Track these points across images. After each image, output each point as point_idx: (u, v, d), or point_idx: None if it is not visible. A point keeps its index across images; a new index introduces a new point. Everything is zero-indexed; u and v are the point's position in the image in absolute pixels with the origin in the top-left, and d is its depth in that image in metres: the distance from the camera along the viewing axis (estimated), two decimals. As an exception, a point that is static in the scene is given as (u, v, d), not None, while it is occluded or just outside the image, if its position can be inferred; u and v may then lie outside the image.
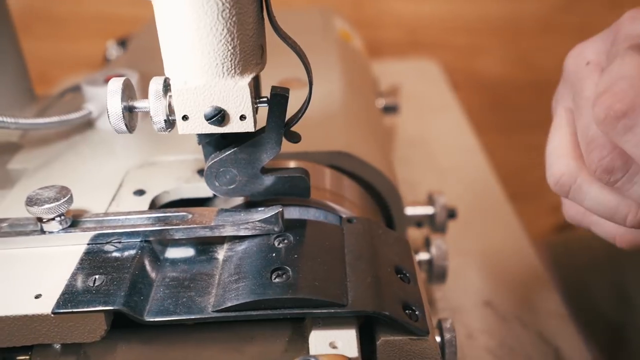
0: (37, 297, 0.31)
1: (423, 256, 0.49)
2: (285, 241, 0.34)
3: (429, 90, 0.96)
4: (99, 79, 0.47)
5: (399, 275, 0.34)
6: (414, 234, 0.56)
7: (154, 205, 0.39)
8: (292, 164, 0.41)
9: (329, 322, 0.31)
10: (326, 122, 0.47)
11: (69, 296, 0.30)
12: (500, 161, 1.25)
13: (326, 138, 0.45)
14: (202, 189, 0.40)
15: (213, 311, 0.31)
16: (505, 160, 1.26)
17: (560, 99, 0.35)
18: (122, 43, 0.69)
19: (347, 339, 0.30)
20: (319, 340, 0.30)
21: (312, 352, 0.30)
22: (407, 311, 0.32)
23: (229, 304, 0.30)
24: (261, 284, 0.31)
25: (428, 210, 0.52)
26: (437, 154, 0.78)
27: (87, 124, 0.47)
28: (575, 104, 0.33)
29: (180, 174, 0.41)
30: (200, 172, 0.41)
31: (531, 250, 0.61)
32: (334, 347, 0.30)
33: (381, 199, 0.46)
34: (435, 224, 0.52)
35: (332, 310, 0.30)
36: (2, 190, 0.40)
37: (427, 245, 0.50)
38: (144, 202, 0.39)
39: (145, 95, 0.48)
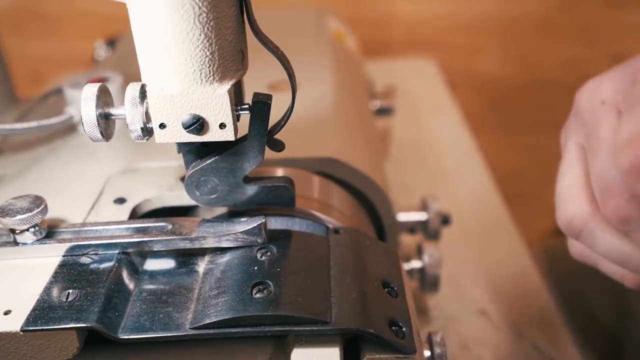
0: (7, 313, 0.29)
1: (415, 264, 0.48)
2: (268, 253, 0.33)
3: (426, 90, 0.94)
4: (82, 81, 0.46)
5: (386, 289, 0.33)
6: (407, 240, 0.55)
7: (134, 214, 0.38)
8: (278, 172, 0.40)
9: (312, 340, 0.30)
10: (315, 126, 0.46)
11: (39, 312, 0.29)
12: (498, 161, 1.24)
13: (314, 144, 0.44)
14: (184, 197, 0.38)
15: (191, 328, 0.29)
16: (503, 161, 1.24)
17: (572, 133, 0.33)
18: (111, 43, 0.67)
19: (330, 358, 0.29)
20: (301, 359, 0.29)
21: (293, 372, 0.29)
22: (393, 327, 0.30)
23: (207, 321, 0.29)
24: (241, 300, 0.30)
25: (421, 216, 0.51)
26: (433, 156, 0.77)
27: (70, 128, 0.46)
28: (588, 144, 0.31)
29: (162, 181, 0.40)
30: (183, 179, 0.40)
31: (528, 257, 0.60)
32: (317, 367, 0.29)
33: (372, 206, 0.44)
34: (428, 231, 0.51)
35: (315, 328, 0.29)
36: (-22, 198, 0.39)
37: (419, 252, 0.48)
38: (124, 211, 0.37)
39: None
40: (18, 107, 0.48)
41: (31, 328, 0.28)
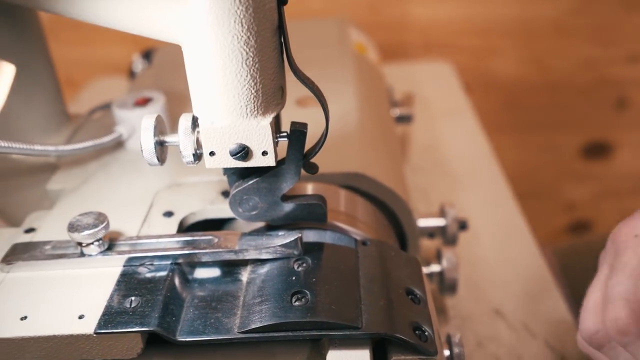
0: (81, 317, 0.34)
1: (434, 268, 0.52)
2: (304, 264, 0.37)
3: (443, 93, 0.97)
4: (128, 102, 0.50)
5: (409, 297, 0.37)
6: (427, 244, 0.59)
7: (181, 226, 0.42)
8: (309, 188, 0.43)
9: (344, 343, 0.34)
10: (341, 142, 0.50)
11: (108, 317, 0.34)
12: (514, 161, 1.27)
13: (341, 159, 0.47)
14: (225, 210, 0.42)
15: (239, 332, 0.33)
16: (519, 160, 1.27)
17: (607, 256, 0.38)
18: (147, 55, 0.72)
19: (361, 359, 0.33)
20: None
21: (329, 371, 0.33)
22: (417, 331, 0.34)
23: (253, 326, 0.33)
24: (282, 307, 0.34)
25: (440, 222, 0.55)
26: (450, 160, 0.80)
27: (118, 144, 0.50)
28: (612, 265, 0.36)
29: (205, 195, 0.44)
30: (224, 193, 0.44)
31: (541, 258, 0.63)
32: (349, 367, 0.33)
33: (394, 215, 0.48)
34: (446, 236, 0.55)
35: (348, 332, 0.33)
36: (43, 210, 0.44)
37: (438, 257, 0.52)
38: (172, 223, 0.42)
39: (171, 118, 0.51)
40: (69, 124, 0.52)
41: (103, 331, 0.33)
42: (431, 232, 0.56)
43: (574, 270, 0.70)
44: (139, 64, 0.70)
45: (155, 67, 0.67)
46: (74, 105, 0.97)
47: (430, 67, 1.06)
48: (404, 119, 0.74)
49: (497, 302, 0.58)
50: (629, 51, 1.15)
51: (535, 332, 0.55)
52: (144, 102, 0.49)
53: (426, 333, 0.35)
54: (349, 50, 0.68)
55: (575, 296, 0.66)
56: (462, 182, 0.76)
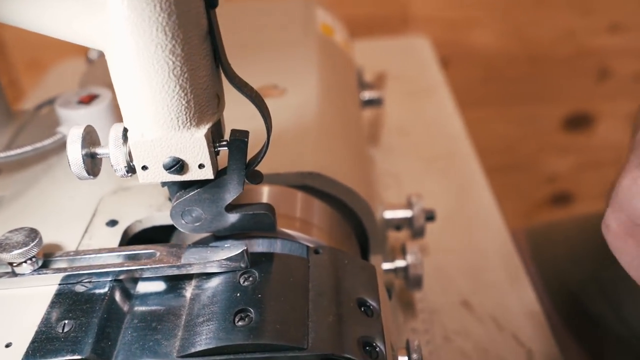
0: (8, 345, 0.32)
1: (399, 263, 0.50)
2: (251, 278, 0.35)
3: (419, 70, 0.95)
4: (72, 99, 0.47)
5: (362, 308, 0.35)
6: (395, 237, 0.57)
7: (126, 235, 0.40)
8: (261, 191, 0.41)
9: (291, 363, 0.32)
10: (298, 138, 0.47)
11: (37, 345, 0.32)
12: (495, 134, 1.25)
13: (298, 157, 0.45)
14: (173, 217, 0.40)
15: (178, 357, 0.32)
16: (500, 133, 1.26)
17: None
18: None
19: (307, 381, 0.32)
20: (281, 382, 0.32)
21: (273, 395, 0.31)
22: (367, 347, 0.33)
23: (193, 350, 0.32)
24: (224, 328, 0.32)
25: (406, 213, 0.53)
26: (424, 142, 0.78)
27: (63, 145, 0.47)
28: None
29: (152, 200, 0.42)
30: (171, 199, 0.42)
31: (512, 246, 0.62)
32: (295, 390, 0.31)
33: (356, 215, 0.46)
34: (413, 228, 0.53)
35: (292, 355, 0.31)
36: (-22, 222, 0.41)
37: (403, 252, 0.50)
38: (116, 234, 0.40)
39: (118, 117, 0.48)
40: (13, 122, 0.49)
41: (31, 361, 0.31)
42: (398, 225, 0.54)
43: (546, 254, 0.69)
44: (94, 51, 0.67)
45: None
46: (39, 90, 0.94)
47: (406, 42, 1.03)
48: (374, 102, 0.71)
49: (466, 293, 0.57)
50: (609, 21, 1.12)
51: (504, 326, 0.54)
52: (88, 99, 0.46)
53: (377, 349, 0.33)
54: (313, 33, 0.65)
55: (547, 281, 0.65)
56: (435, 165, 0.74)
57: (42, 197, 0.43)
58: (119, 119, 0.48)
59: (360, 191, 0.46)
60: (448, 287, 0.58)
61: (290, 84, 0.55)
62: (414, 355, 0.38)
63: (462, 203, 0.68)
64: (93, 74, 0.61)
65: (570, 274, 0.66)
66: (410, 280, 0.50)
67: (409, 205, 0.54)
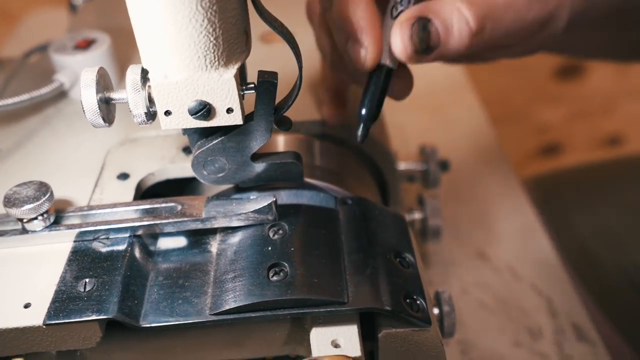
0: (27, 306, 0.29)
1: (416, 215, 0.49)
2: (280, 231, 0.33)
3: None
4: (68, 44, 0.44)
5: (397, 259, 0.33)
6: (406, 188, 0.55)
7: (139, 189, 0.37)
8: (280, 141, 0.39)
9: (330, 319, 0.31)
10: (316, 86, 0.45)
11: (59, 304, 0.29)
12: (486, 84, 1.23)
13: (313, 105, 0.43)
14: (188, 169, 0.37)
15: (211, 314, 0.30)
16: (491, 83, 1.24)
17: None
18: (88, -15, 0.64)
19: (349, 337, 0.30)
20: (320, 338, 0.30)
21: (314, 352, 0.30)
22: (407, 300, 0.31)
23: (227, 307, 0.30)
24: (259, 284, 0.30)
25: (421, 165, 0.51)
26: (427, 93, 0.76)
27: (60, 94, 0.44)
28: None
29: (164, 152, 0.39)
30: (186, 149, 0.39)
31: (523, 195, 0.61)
32: (337, 346, 0.30)
33: (374, 163, 0.44)
34: (428, 180, 0.51)
35: (333, 309, 0.30)
36: (-24, 178, 0.38)
37: (420, 203, 0.49)
38: (129, 187, 0.37)
39: (119, 64, 0.45)
40: (1, 71, 0.46)
41: (54, 322, 0.29)
42: (411, 176, 0.52)
43: (555, 200, 0.68)
44: (80, -4, 0.62)
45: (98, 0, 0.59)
46: (10, 43, 0.88)
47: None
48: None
49: (481, 244, 0.56)
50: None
51: (521, 275, 0.53)
52: (85, 44, 0.43)
53: (418, 302, 0.31)
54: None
55: (557, 228, 0.65)
56: (439, 115, 0.72)
57: (42, 150, 0.40)
58: (121, 63, 0.45)
59: (380, 138, 0.44)
60: (462, 238, 0.57)
61: (305, 35, 0.51)
62: (446, 307, 0.36)
63: (469, 152, 0.66)
64: (82, 20, 0.57)
65: (576, 219, 0.65)
66: (430, 231, 0.49)
67: (422, 155, 0.52)
